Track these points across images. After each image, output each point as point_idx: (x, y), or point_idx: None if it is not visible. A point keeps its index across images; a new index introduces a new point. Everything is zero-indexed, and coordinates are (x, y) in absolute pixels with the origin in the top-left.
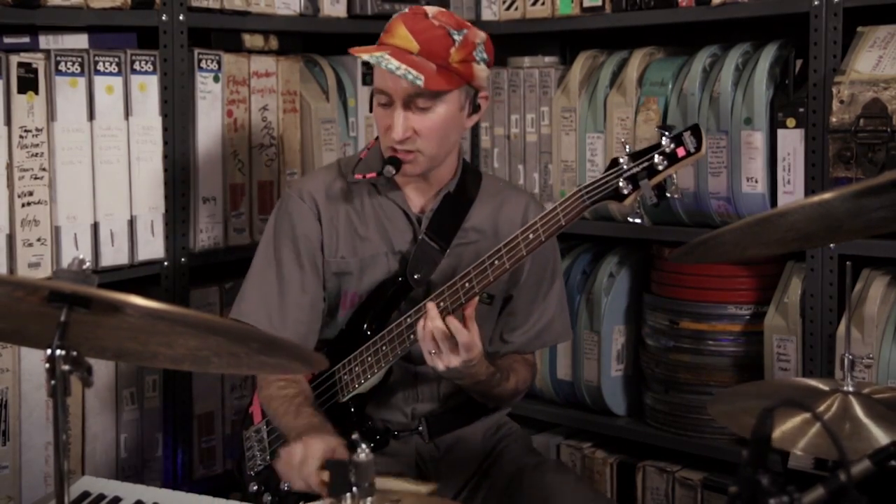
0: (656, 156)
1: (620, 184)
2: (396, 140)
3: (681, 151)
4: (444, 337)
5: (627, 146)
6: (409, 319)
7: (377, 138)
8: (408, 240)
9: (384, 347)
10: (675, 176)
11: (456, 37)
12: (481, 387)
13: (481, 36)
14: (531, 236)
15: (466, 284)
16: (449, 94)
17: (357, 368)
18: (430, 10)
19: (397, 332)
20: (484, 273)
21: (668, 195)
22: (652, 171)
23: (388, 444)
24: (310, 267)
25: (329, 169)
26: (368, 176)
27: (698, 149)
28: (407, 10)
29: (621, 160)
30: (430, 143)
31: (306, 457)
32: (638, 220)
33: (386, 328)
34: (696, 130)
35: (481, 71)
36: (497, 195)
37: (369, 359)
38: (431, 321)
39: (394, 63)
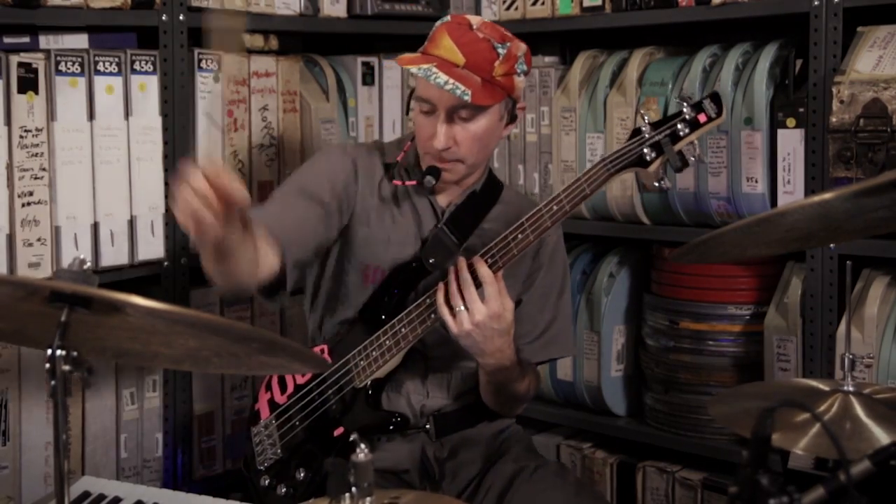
0: (678, 123)
1: (644, 150)
2: (439, 149)
3: (702, 117)
4: (469, 285)
5: (646, 116)
6: (428, 300)
7: (412, 139)
8: (430, 228)
9: (403, 329)
10: (696, 143)
11: (500, 50)
12: (503, 374)
13: (522, 48)
14: (555, 208)
15: (489, 259)
16: (491, 106)
17: (375, 352)
18: (475, 20)
19: (416, 312)
20: (507, 247)
21: (692, 159)
22: (675, 137)
23: (406, 426)
24: (333, 200)
25: (370, 146)
26: (408, 183)
27: (719, 114)
28: (449, 18)
29: (643, 129)
30: (470, 152)
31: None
32: (666, 186)
33: (403, 311)
34: (715, 97)
35: (521, 83)
36: (516, 203)
37: (387, 342)
38: (462, 270)
39: (442, 77)
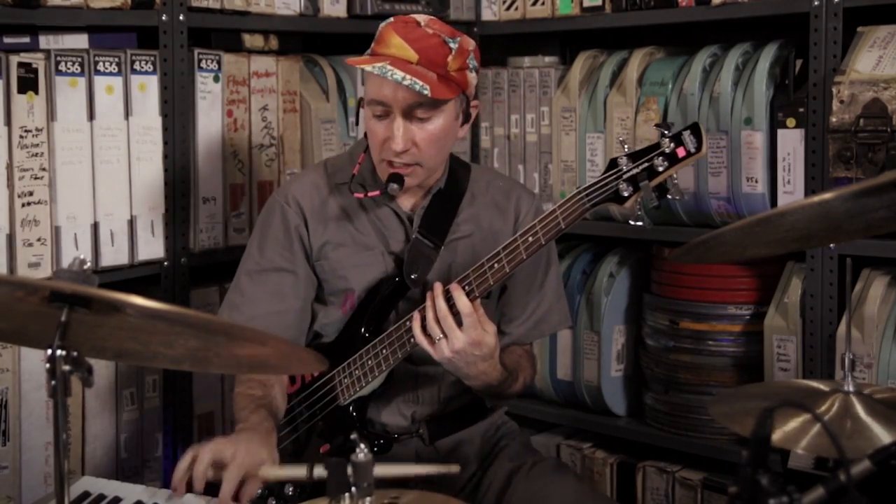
0: (656, 157)
1: (621, 186)
2: (398, 151)
3: (681, 151)
4: (445, 315)
5: (626, 146)
6: (409, 322)
7: (366, 151)
8: (400, 239)
9: (384, 351)
10: (675, 176)
11: (452, 45)
12: (492, 390)
13: (472, 43)
14: (530, 239)
15: (466, 287)
16: (447, 103)
17: (357, 372)
18: (421, 18)
19: (397, 335)
20: (483, 276)
21: (669, 196)
22: (652, 172)
23: (390, 448)
24: (302, 271)
25: (315, 170)
26: (371, 194)
27: (699, 148)
28: (393, 19)
29: (620, 161)
30: (428, 154)
31: (233, 458)
32: (640, 224)
33: (384, 331)
34: (695, 129)
35: (473, 79)
36: (487, 187)
37: (369, 362)
38: (437, 297)
39: (399, 73)
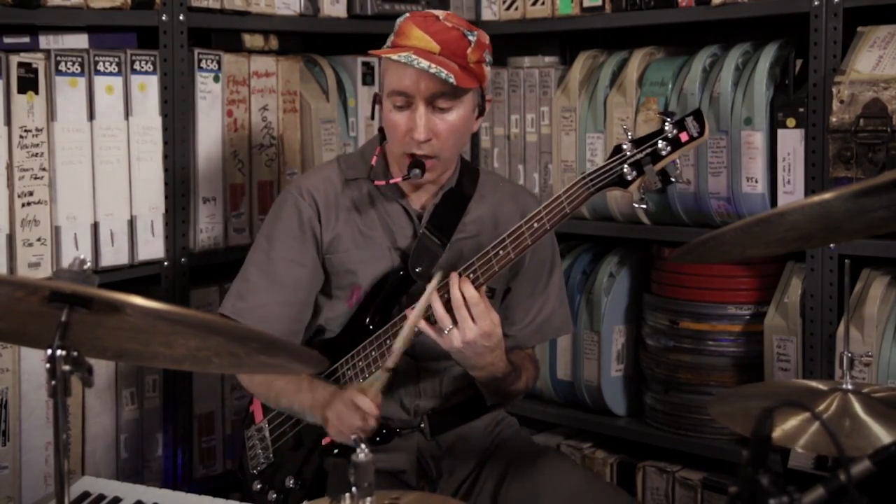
0: (660, 141)
1: (625, 170)
2: (420, 140)
3: (684, 136)
4: (460, 305)
5: (629, 133)
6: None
7: (381, 145)
8: (408, 235)
9: (388, 341)
10: (678, 161)
11: (470, 38)
12: (498, 383)
13: (487, 37)
14: (536, 225)
15: (471, 275)
16: (467, 94)
17: (361, 363)
18: (439, 13)
19: (401, 325)
20: (489, 263)
21: (673, 180)
22: (656, 156)
23: (390, 440)
24: (311, 264)
25: (329, 166)
26: (394, 181)
27: (701, 133)
28: (410, 14)
29: (624, 146)
30: (447, 145)
31: (354, 405)
32: (644, 206)
33: (389, 322)
34: (698, 115)
35: (489, 73)
36: (495, 190)
37: (373, 353)
38: (453, 287)
39: (424, 62)
